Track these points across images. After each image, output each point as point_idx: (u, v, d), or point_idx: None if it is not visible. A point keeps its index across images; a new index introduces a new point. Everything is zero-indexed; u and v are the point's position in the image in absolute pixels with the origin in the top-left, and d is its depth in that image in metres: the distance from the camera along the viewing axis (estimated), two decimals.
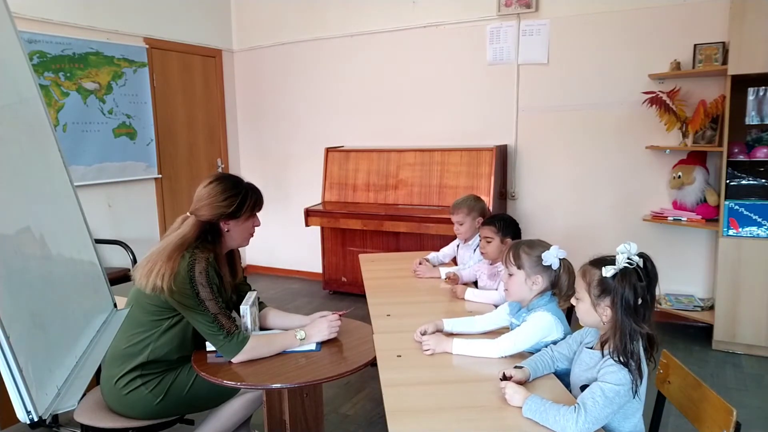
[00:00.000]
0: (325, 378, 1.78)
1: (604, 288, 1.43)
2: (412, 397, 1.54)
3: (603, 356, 1.43)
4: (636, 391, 1.37)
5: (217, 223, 1.97)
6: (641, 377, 1.38)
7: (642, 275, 1.40)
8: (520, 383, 1.50)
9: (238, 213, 1.98)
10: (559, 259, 1.83)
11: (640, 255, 1.43)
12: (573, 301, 1.56)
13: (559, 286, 1.83)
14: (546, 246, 1.86)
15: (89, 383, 1.42)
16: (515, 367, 1.57)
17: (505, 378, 1.50)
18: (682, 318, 3.88)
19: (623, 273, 1.40)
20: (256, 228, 2.11)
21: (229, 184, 1.99)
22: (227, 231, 2.00)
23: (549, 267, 1.82)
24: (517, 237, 2.50)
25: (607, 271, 1.41)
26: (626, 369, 1.37)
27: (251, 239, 2.11)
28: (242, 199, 1.98)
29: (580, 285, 1.51)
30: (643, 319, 1.41)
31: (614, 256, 1.43)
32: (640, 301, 1.39)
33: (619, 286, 1.40)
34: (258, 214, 2.09)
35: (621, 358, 1.38)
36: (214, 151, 5.61)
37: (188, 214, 1.99)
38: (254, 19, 5.55)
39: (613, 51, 4.09)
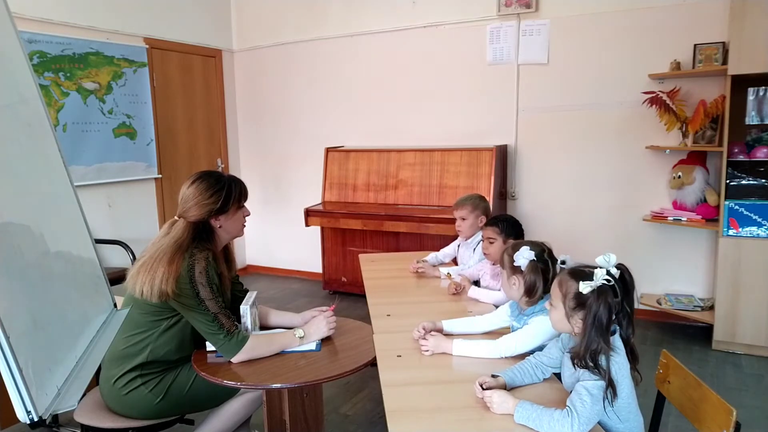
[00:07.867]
0: (325, 378, 1.78)
1: (579, 302, 1.43)
2: (412, 397, 1.54)
3: (575, 369, 1.42)
4: (610, 400, 1.35)
5: (207, 221, 1.97)
6: (614, 388, 1.36)
7: (619, 290, 1.41)
8: None
9: (226, 207, 1.99)
10: (551, 261, 1.82)
11: (619, 266, 1.44)
12: (547, 305, 1.56)
13: (534, 290, 1.81)
14: (536, 247, 1.86)
15: (89, 383, 1.42)
16: (492, 375, 1.55)
17: (483, 388, 1.48)
18: (682, 318, 3.88)
19: (600, 291, 1.40)
20: (247, 217, 2.11)
21: (211, 181, 1.99)
22: (219, 227, 2.00)
23: (535, 269, 1.81)
24: (520, 238, 2.49)
25: (584, 287, 1.40)
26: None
27: (245, 229, 2.13)
28: (227, 193, 1.99)
29: (555, 294, 1.50)
30: (613, 333, 1.41)
31: (593, 269, 1.42)
32: (614, 317, 1.39)
33: (594, 304, 1.39)
34: (251, 206, 2.11)
35: (588, 366, 1.38)
36: (214, 151, 5.61)
37: (176, 218, 1.98)
38: (254, 19, 5.55)
39: (613, 51, 4.09)
